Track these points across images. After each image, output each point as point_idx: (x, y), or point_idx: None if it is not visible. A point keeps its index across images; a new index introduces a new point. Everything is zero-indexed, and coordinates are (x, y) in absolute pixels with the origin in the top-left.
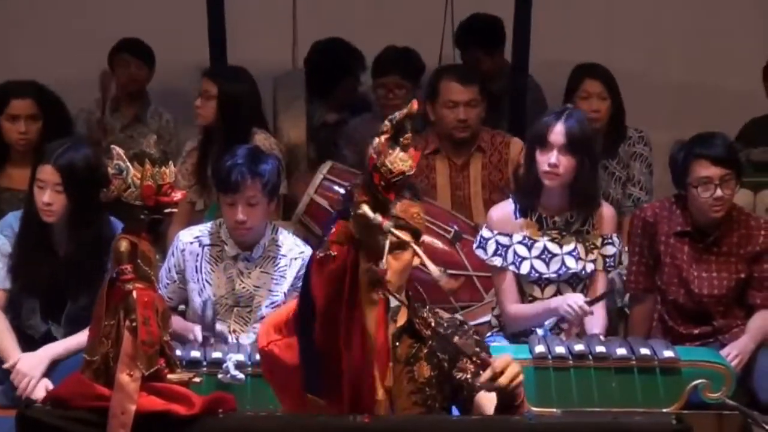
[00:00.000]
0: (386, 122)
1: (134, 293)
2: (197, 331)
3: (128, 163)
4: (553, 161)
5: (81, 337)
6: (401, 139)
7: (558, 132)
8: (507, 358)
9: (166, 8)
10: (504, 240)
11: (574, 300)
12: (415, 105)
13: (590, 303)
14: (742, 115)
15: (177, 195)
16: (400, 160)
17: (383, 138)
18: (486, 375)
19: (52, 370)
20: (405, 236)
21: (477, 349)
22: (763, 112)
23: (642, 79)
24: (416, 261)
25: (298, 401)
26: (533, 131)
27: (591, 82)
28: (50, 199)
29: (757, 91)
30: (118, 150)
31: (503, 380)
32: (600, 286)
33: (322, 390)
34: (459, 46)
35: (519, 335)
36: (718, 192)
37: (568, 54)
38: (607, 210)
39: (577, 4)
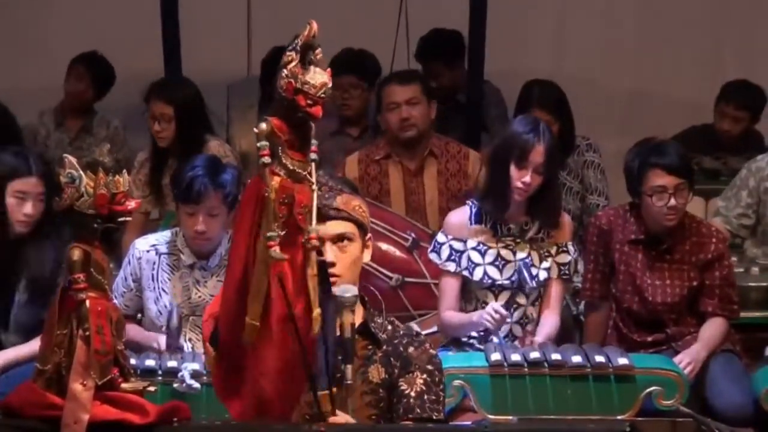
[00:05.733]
0: (288, 51)
1: (87, 302)
2: (161, 340)
3: (81, 172)
4: (527, 180)
5: (33, 345)
6: (312, 57)
7: (539, 152)
8: None
9: (120, 17)
10: (458, 245)
11: (491, 306)
12: (314, 25)
13: (507, 307)
14: (690, 123)
15: (131, 204)
16: (318, 74)
17: (292, 64)
18: None
19: (2, 378)
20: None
21: (429, 367)
22: (711, 121)
23: (592, 88)
24: (366, 257)
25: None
26: (510, 144)
27: (539, 112)
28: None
29: (706, 100)
30: (70, 158)
31: None
32: (554, 294)
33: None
34: (419, 59)
35: (459, 344)
36: (672, 201)
37: (520, 64)
38: (564, 218)
39: (530, 15)
